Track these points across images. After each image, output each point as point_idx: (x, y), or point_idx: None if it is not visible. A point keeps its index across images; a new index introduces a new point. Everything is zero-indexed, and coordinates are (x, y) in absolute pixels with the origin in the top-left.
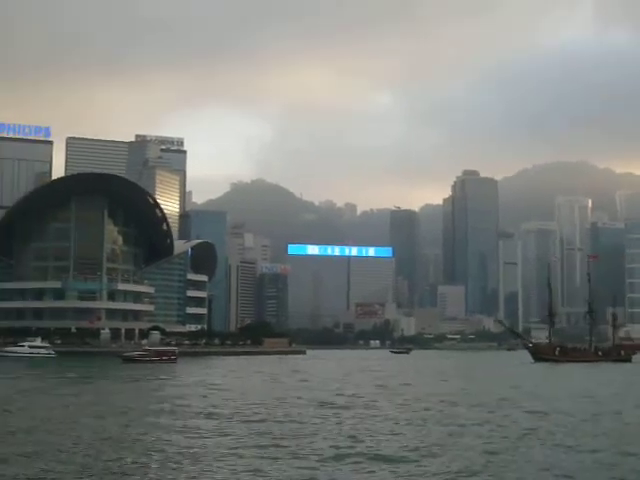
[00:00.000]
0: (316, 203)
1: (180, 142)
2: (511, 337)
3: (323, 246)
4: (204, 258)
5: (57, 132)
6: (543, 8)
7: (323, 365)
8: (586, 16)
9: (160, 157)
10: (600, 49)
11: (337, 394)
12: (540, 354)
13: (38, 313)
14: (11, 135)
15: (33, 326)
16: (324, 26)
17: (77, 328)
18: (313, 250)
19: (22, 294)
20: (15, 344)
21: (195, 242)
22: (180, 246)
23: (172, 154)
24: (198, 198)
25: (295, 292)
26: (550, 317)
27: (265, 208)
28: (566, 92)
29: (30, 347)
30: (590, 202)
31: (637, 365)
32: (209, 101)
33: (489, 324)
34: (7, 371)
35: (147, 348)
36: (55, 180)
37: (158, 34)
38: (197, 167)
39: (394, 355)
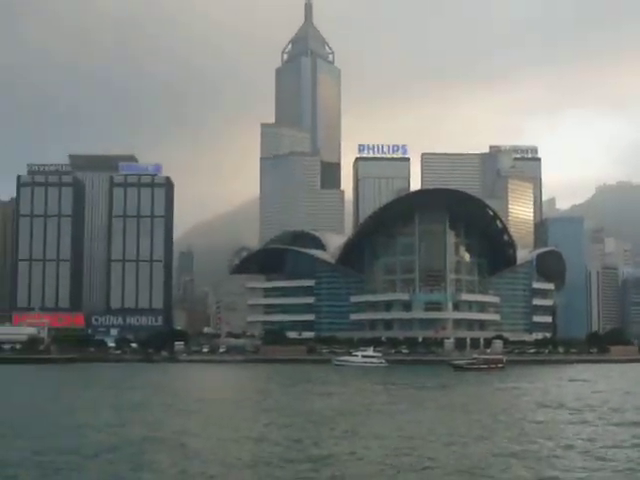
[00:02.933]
0: None
1: (534, 150)
2: None
3: None
4: (551, 266)
5: (413, 149)
6: None
7: None
8: None
9: (513, 166)
10: None
11: None
12: None
13: (388, 324)
14: (371, 155)
15: (383, 336)
16: None
17: (423, 338)
18: None
19: (373, 306)
20: (349, 354)
21: (541, 250)
22: (524, 255)
23: (525, 162)
24: (562, 204)
25: None
26: None
27: (632, 210)
28: None
29: (363, 357)
30: None
31: None
32: (568, 105)
33: None
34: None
35: (475, 357)
36: (398, 198)
37: (514, 45)
38: (560, 173)
39: None
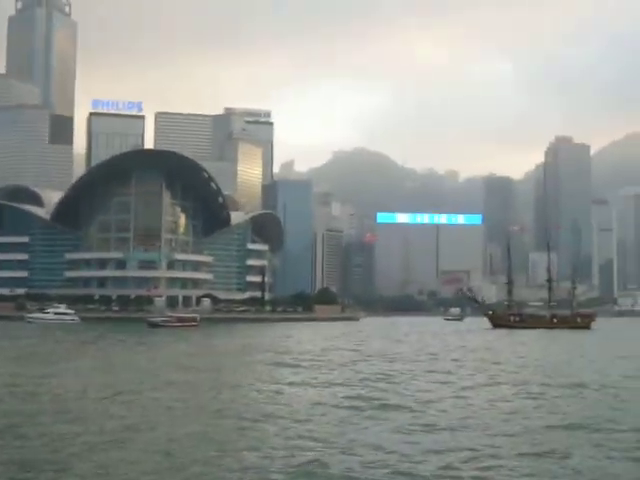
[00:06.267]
0: (418, 170)
1: (267, 114)
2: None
3: (412, 214)
4: (268, 228)
5: (150, 107)
6: None
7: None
8: None
9: (244, 129)
10: None
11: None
12: (498, 321)
13: (102, 282)
14: (105, 110)
15: (97, 294)
16: None
17: (136, 296)
18: (402, 218)
19: (88, 264)
20: (41, 310)
21: (256, 213)
22: (239, 217)
23: (259, 126)
24: (302, 167)
25: (384, 260)
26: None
27: (365, 176)
28: None
29: (55, 314)
30: None
31: (594, 332)
32: (314, 74)
33: (580, 291)
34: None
35: (170, 314)
36: (116, 156)
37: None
38: (302, 138)
39: (445, 322)
